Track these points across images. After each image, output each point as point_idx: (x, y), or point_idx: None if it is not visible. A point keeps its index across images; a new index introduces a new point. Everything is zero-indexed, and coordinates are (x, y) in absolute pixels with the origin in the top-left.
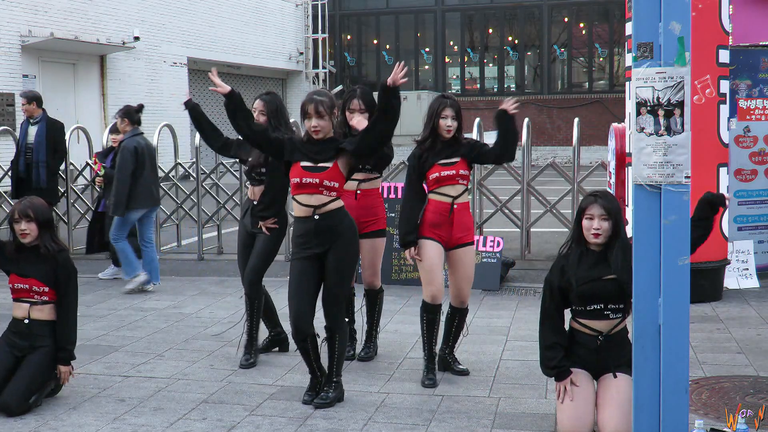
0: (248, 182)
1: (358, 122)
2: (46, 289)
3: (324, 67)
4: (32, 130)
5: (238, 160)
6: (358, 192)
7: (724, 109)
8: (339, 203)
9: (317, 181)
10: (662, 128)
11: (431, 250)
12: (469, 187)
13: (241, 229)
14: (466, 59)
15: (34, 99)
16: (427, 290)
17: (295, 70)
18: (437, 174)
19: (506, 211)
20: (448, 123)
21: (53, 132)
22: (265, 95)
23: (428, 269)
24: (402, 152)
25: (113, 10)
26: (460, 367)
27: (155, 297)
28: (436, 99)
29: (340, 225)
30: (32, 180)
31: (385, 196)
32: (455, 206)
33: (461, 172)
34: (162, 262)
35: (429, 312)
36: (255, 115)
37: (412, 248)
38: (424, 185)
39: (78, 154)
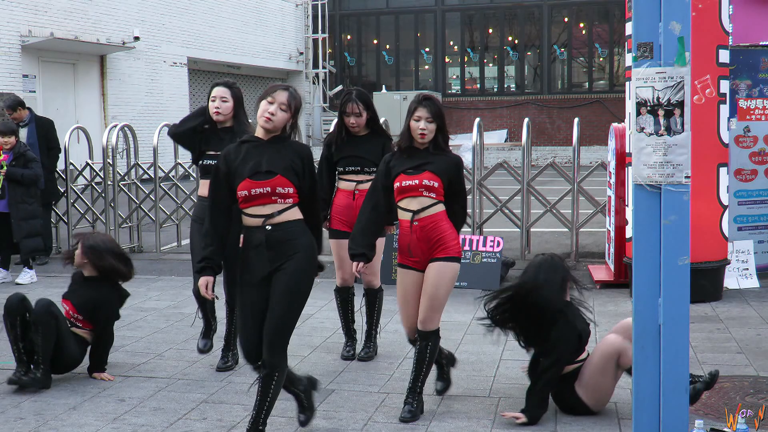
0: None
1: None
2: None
3: (324, 67)
4: (23, 133)
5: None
6: (356, 192)
7: (724, 109)
8: (297, 214)
9: (269, 189)
10: (662, 128)
11: (405, 278)
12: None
13: (194, 229)
14: (466, 59)
15: (18, 105)
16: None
17: (295, 70)
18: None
19: (506, 211)
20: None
21: (44, 130)
22: (222, 83)
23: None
24: None
25: (113, 10)
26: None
27: (155, 297)
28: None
29: (295, 241)
30: None
31: None
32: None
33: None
34: (162, 262)
35: (412, 343)
36: (216, 103)
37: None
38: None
39: (78, 154)
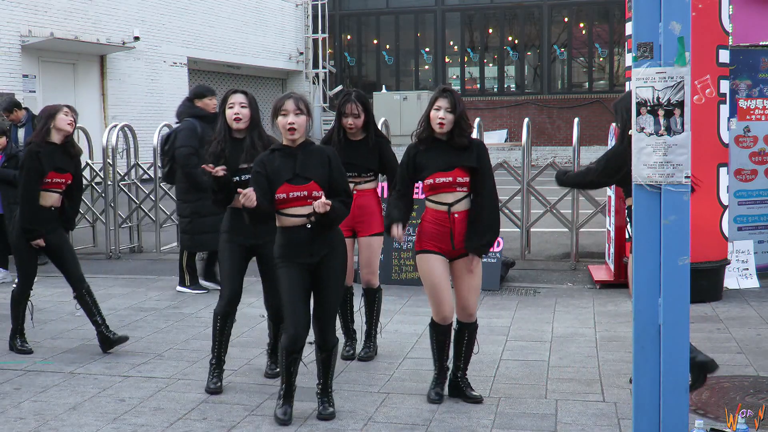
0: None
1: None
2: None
3: (324, 67)
4: (21, 133)
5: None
6: (354, 192)
7: (724, 109)
8: None
9: (305, 193)
10: (662, 128)
11: (435, 263)
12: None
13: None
14: (466, 59)
15: (14, 106)
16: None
17: (295, 70)
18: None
19: (506, 211)
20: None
21: None
22: (239, 90)
23: (432, 286)
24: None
25: (113, 10)
26: (474, 393)
27: (155, 297)
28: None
29: (332, 234)
30: None
31: (384, 196)
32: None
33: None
34: (162, 262)
35: (440, 333)
36: (235, 109)
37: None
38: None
39: None
